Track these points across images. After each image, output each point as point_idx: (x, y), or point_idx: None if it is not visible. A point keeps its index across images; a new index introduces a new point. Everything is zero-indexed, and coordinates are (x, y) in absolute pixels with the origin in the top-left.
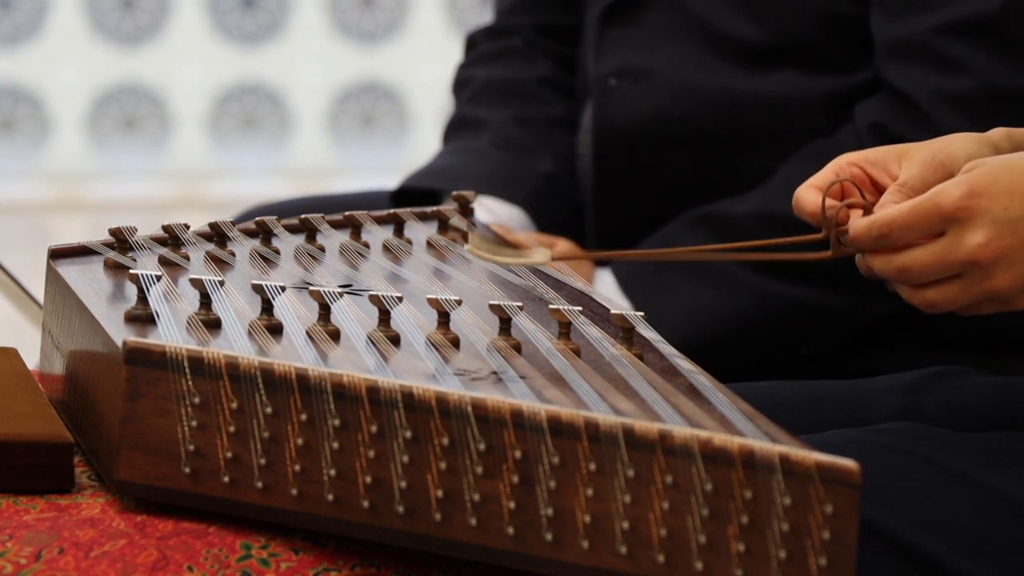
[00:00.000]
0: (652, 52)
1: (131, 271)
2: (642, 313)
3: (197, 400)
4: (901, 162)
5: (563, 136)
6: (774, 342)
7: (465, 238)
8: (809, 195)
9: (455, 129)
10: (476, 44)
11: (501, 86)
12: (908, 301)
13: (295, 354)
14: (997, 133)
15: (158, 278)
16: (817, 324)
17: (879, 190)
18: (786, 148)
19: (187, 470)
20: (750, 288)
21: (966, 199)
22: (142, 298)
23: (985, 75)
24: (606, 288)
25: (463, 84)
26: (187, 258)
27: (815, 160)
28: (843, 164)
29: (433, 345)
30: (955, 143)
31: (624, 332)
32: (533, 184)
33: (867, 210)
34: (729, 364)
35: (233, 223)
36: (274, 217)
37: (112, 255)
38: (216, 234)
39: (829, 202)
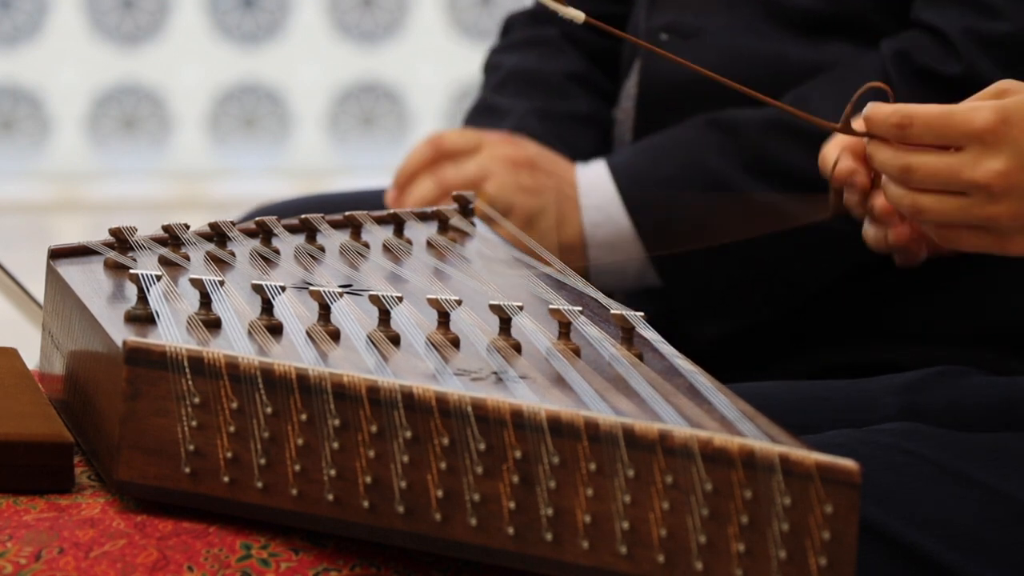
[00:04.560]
0: (705, 12)
1: (131, 271)
2: (642, 313)
3: (197, 400)
4: None
5: (582, 133)
6: (758, 269)
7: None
8: (830, 153)
9: (477, 114)
10: (512, 28)
11: (527, 77)
12: (895, 202)
13: (295, 354)
14: None
15: (158, 278)
16: (818, 245)
17: None
18: None
19: (187, 470)
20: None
21: (999, 123)
22: (142, 298)
23: (1023, 24)
24: (597, 175)
25: (492, 69)
26: (187, 258)
27: (833, 85)
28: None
29: (433, 345)
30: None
31: (624, 332)
32: None
33: (874, 183)
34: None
35: (233, 223)
36: (274, 217)
37: (112, 255)
38: (216, 234)
39: (853, 166)
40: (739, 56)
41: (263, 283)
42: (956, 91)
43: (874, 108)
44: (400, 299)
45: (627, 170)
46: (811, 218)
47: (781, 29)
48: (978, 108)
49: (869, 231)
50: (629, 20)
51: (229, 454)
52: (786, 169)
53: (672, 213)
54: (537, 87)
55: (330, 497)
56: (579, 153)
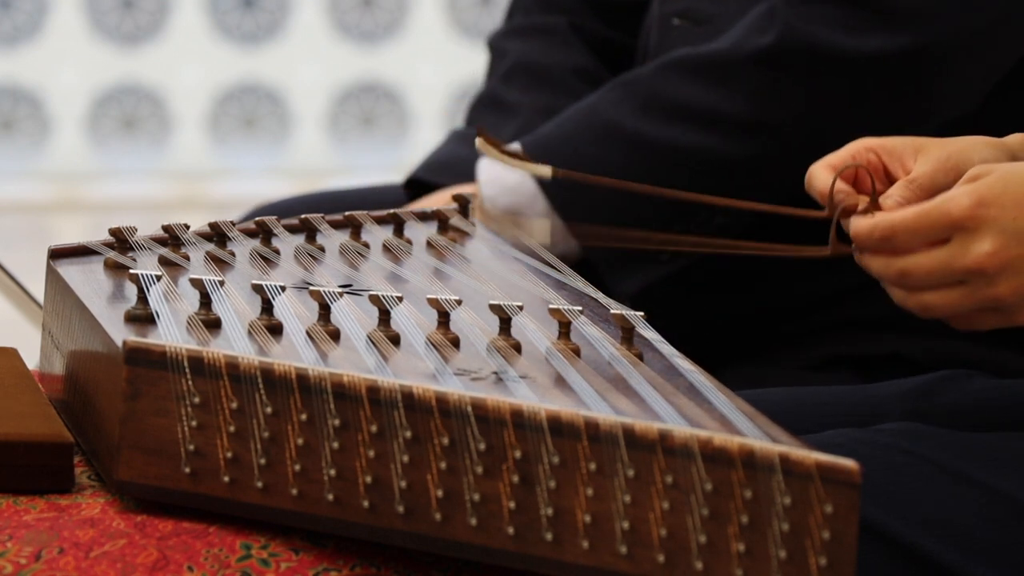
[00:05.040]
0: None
1: (131, 271)
2: (642, 313)
3: (197, 400)
4: (917, 156)
5: None
6: (673, 207)
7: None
8: (822, 174)
9: (484, 107)
10: (518, 10)
11: (536, 71)
12: (901, 304)
13: (295, 354)
14: (1015, 139)
15: (158, 278)
16: (717, 180)
17: (891, 180)
18: None
19: (187, 470)
20: (636, 139)
21: (976, 207)
22: (142, 298)
23: None
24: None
25: (498, 54)
26: (187, 258)
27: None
28: (860, 148)
29: (433, 345)
30: (973, 147)
31: (624, 332)
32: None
33: (874, 200)
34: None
35: (233, 223)
36: (274, 217)
37: (112, 255)
38: (216, 234)
39: (841, 186)
40: None
41: (263, 283)
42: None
43: (856, 226)
44: (400, 299)
45: (532, 137)
46: (809, 254)
47: None
48: (952, 197)
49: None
50: (647, 9)
51: (229, 454)
52: (681, 104)
53: (581, 168)
54: (544, 82)
55: (330, 497)
56: None
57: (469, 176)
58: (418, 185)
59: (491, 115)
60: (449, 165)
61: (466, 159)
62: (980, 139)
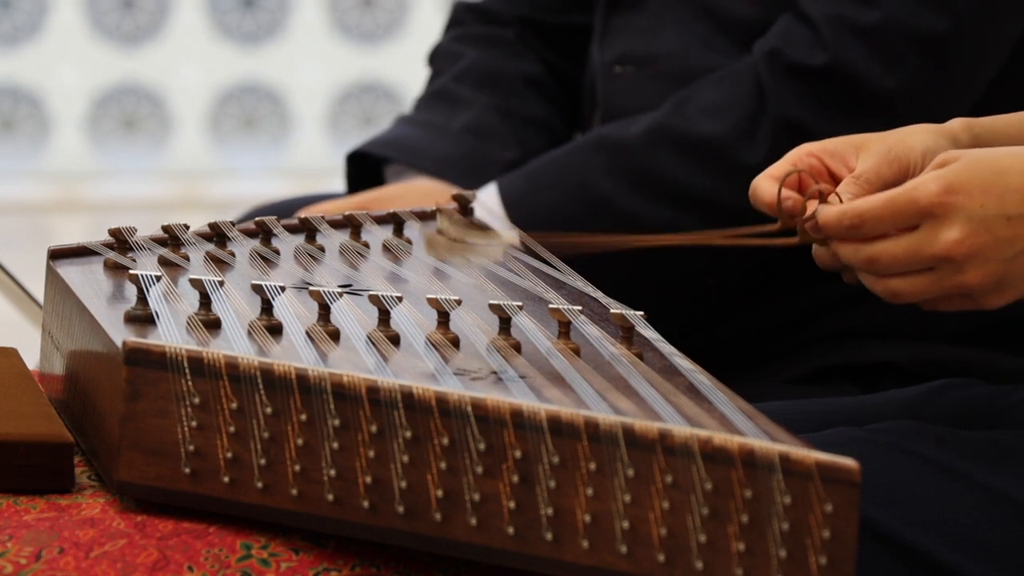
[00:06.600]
0: (656, 37)
1: (131, 271)
2: (642, 312)
3: (197, 400)
4: (858, 153)
5: (537, 137)
6: (673, 270)
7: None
8: (765, 185)
9: (432, 99)
10: (462, 21)
11: (490, 73)
12: (870, 289)
13: (295, 354)
14: (956, 124)
15: (158, 278)
16: (711, 261)
17: (836, 181)
18: None
19: (187, 470)
20: (629, 218)
21: (943, 195)
22: (142, 298)
23: (895, 11)
24: (489, 199)
25: (451, 57)
26: (187, 258)
27: (714, 87)
28: (801, 155)
29: (433, 345)
30: (912, 135)
31: (624, 331)
32: (496, 175)
33: (823, 201)
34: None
35: (233, 223)
36: (274, 217)
37: (112, 255)
38: (216, 234)
39: (785, 192)
40: (696, 77)
41: (263, 283)
42: (823, 81)
43: (825, 214)
44: (400, 299)
45: (514, 195)
46: (778, 243)
47: (733, 43)
48: (920, 185)
49: (819, 250)
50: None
51: (229, 454)
52: (672, 184)
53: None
54: (499, 84)
55: (330, 497)
56: (530, 152)
57: (414, 152)
58: (363, 160)
59: (438, 108)
60: (408, 143)
61: (424, 142)
62: (920, 127)
